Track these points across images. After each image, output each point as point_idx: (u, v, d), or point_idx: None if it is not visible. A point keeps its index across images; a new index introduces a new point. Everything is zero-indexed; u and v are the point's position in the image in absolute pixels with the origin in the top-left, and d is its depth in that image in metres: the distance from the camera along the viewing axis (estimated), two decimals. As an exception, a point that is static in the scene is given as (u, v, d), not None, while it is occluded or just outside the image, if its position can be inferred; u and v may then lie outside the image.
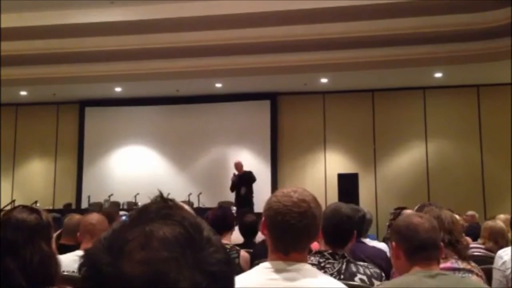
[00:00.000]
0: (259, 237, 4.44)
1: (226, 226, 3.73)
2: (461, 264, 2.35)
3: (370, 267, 2.27)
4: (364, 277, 2.18)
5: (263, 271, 1.58)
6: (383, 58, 9.88)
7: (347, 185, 10.21)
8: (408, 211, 3.62)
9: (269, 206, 1.63)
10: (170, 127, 12.35)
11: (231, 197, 9.94)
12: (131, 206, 10.37)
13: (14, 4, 9.07)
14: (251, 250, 3.83)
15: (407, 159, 11.60)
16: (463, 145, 11.41)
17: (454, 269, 2.30)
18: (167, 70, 10.54)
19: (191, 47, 9.91)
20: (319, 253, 2.24)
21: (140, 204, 8.16)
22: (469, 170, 11.22)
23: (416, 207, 3.70)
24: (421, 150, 11.59)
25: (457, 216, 3.10)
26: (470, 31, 9.14)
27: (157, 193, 0.71)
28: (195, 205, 10.25)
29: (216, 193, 10.75)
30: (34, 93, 12.07)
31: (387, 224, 7.79)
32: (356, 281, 2.15)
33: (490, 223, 4.43)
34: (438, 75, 10.80)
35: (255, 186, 9.97)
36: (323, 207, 2.00)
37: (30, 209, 1.67)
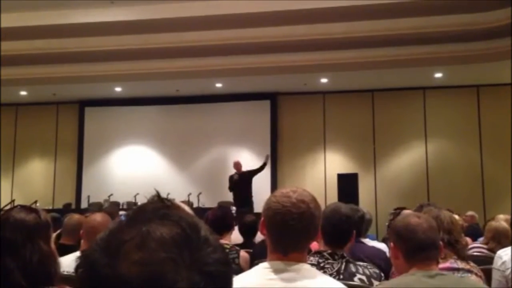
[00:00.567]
0: (259, 237, 4.44)
1: (225, 226, 3.73)
2: (460, 264, 2.35)
3: (369, 267, 2.27)
4: (364, 277, 2.18)
5: (262, 271, 1.58)
6: (383, 58, 9.88)
7: (347, 185, 10.20)
8: (406, 211, 3.61)
9: (268, 207, 1.63)
10: (170, 127, 12.36)
11: (231, 197, 9.93)
12: (130, 206, 10.36)
13: (14, 4, 9.07)
14: (251, 250, 3.83)
15: (407, 159, 11.60)
16: (463, 146, 11.41)
17: (453, 269, 2.30)
18: (167, 70, 10.54)
19: (191, 47, 9.90)
20: (319, 253, 2.24)
21: (140, 204, 8.15)
22: (468, 170, 11.22)
23: (415, 207, 3.70)
24: (421, 150, 11.59)
25: (456, 216, 3.10)
26: (470, 31, 9.13)
27: (154, 193, 0.71)
28: (195, 205, 10.24)
29: (216, 193, 10.75)
30: (34, 93, 12.07)
31: (387, 224, 7.77)
32: (356, 281, 2.15)
33: (494, 223, 4.41)
34: (438, 75, 10.80)
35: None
36: (323, 207, 2.00)
37: (29, 208, 1.67)
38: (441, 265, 2.15)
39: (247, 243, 4.41)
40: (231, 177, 9.77)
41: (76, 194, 12.48)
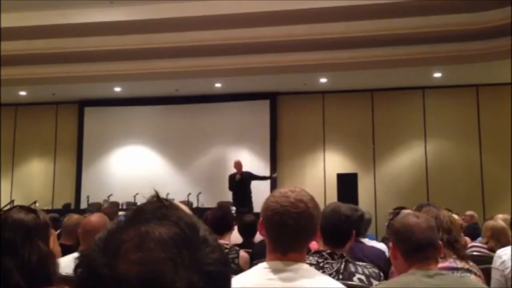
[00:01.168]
0: (258, 237, 4.44)
1: (225, 226, 3.73)
2: (460, 264, 2.35)
3: (368, 267, 2.27)
4: (363, 277, 2.18)
5: (261, 271, 1.58)
6: (383, 58, 9.88)
7: (346, 185, 10.20)
8: (406, 211, 3.61)
9: (266, 207, 1.63)
10: (169, 127, 12.35)
11: (230, 197, 9.92)
12: (130, 206, 10.35)
13: (14, 4, 9.07)
14: (250, 250, 3.83)
15: (407, 159, 11.60)
16: (462, 145, 11.42)
17: (453, 269, 2.30)
18: (166, 70, 10.54)
19: (191, 47, 9.90)
20: (318, 253, 2.24)
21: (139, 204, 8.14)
22: (468, 170, 11.22)
23: (415, 207, 3.71)
24: (420, 150, 11.60)
25: (455, 216, 3.10)
26: (470, 30, 9.14)
27: (153, 193, 0.71)
28: (194, 205, 10.25)
29: (216, 193, 10.74)
30: (34, 93, 12.07)
31: (386, 224, 7.78)
32: (355, 281, 2.15)
33: (491, 222, 4.44)
34: (438, 75, 10.80)
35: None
36: (322, 207, 2.00)
37: (28, 209, 1.67)
38: (440, 265, 2.15)
39: (247, 243, 4.41)
40: (232, 177, 9.75)
41: (75, 194, 12.47)
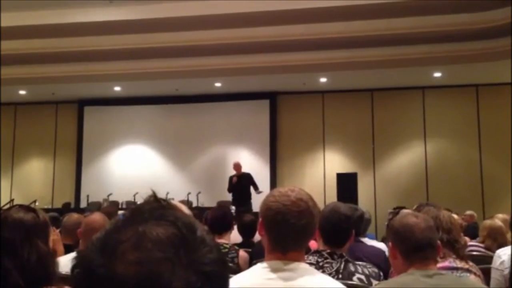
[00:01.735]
0: (258, 236, 4.43)
1: (225, 226, 3.73)
2: (459, 264, 2.35)
3: (368, 266, 2.27)
4: (363, 277, 2.18)
5: (261, 270, 1.58)
6: (382, 58, 9.88)
7: (346, 184, 10.21)
8: (405, 211, 3.61)
9: (267, 206, 1.62)
10: (169, 127, 12.35)
11: (230, 196, 9.92)
12: (130, 205, 10.36)
13: (13, 4, 9.06)
14: (250, 250, 3.83)
15: (406, 159, 11.60)
16: (462, 145, 11.42)
17: (452, 269, 2.30)
18: (166, 70, 10.54)
19: (190, 47, 9.90)
20: (318, 252, 2.23)
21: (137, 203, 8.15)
22: (468, 169, 11.23)
23: (414, 207, 3.70)
24: (420, 150, 11.60)
25: (455, 216, 3.10)
26: (470, 31, 9.13)
27: (151, 193, 0.71)
28: (194, 204, 10.25)
29: (215, 193, 10.75)
30: (33, 92, 12.07)
31: (386, 223, 7.78)
32: (355, 280, 2.15)
33: (488, 221, 4.45)
34: (437, 74, 10.80)
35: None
36: (322, 207, 2.00)
37: (27, 208, 1.67)
38: (439, 265, 2.15)
39: (246, 242, 4.41)
40: (230, 179, 9.79)
41: (75, 193, 12.48)
